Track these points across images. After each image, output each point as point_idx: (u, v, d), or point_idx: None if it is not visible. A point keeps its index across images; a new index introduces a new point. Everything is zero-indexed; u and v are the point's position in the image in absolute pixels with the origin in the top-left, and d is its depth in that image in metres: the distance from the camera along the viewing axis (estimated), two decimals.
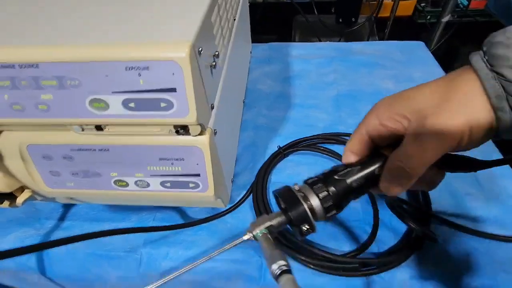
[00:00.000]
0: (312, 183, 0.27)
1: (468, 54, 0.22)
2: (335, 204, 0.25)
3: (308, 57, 0.69)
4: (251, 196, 0.42)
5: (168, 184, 0.33)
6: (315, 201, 0.25)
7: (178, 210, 0.41)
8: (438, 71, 0.64)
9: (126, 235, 0.38)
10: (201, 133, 0.29)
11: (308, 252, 0.36)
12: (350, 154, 0.27)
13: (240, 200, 0.41)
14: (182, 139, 0.29)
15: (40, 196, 0.36)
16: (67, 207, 0.43)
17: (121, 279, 0.38)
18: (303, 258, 0.35)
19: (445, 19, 0.89)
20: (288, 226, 0.27)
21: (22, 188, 0.35)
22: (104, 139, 0.30)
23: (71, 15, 0.29)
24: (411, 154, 0.22)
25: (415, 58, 0.68)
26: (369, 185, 0.26)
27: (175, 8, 0.28)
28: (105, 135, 0.29)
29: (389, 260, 0.34)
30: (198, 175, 0.32)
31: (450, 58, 1.33)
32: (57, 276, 0.38)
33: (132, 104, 0.25)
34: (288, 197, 0.26)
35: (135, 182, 0.33)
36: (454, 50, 1.34)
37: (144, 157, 0.31)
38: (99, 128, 0.28)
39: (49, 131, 0.31)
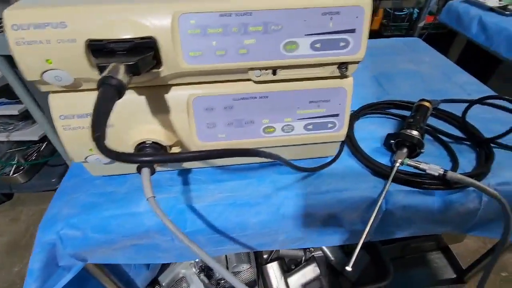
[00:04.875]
0: (405, 128, 0.47)
1: None
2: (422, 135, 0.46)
3: None
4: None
5: (310, 127, 0.39)
6: (415, 132, 0.45)
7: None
8: (439, 55, 0.80)
9: (256, 186, 0.43)
10: (347, 76, 0.37)
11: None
12: None
13: (339, 149, 0.48)
14: (333, 81, 0.37)
15: None
16: (184, 174, 0.45)
17: (260, 224, 0.41)
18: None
19: (421, 24, 1.10)
20: None
21: (170, 147, 0.38)
22: (268, 87, 0.36)
23: None
24: None
25: (418, 48, 0.83)
26: None
27: None
28: (275, 81, 0.35)
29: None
30: (338, 115, 0.39)
31: None
32: (196, 230, 0.40)
33: (318, 45, 0.32)
34: (402, 135, 0.45)
35: (282, 128, 0.39)
36: None
37: (297, 101, 0.37)
38: (274, 72, 0.34)
39: (216, 84, 0.36)
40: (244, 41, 0.31)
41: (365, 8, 0.31)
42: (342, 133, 0.40)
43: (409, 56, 0.79)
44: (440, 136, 0.52)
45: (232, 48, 0.31)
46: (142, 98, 0.35)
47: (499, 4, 1.17)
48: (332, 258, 0.76)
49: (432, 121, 0.55)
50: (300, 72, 0.35)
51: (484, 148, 0.48)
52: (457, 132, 0.53)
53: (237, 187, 0.43)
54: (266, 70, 0.34)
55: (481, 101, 0.54)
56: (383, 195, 0.41)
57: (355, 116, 0.55)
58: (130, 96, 0.34)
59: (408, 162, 0.44)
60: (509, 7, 1.17)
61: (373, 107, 0.58)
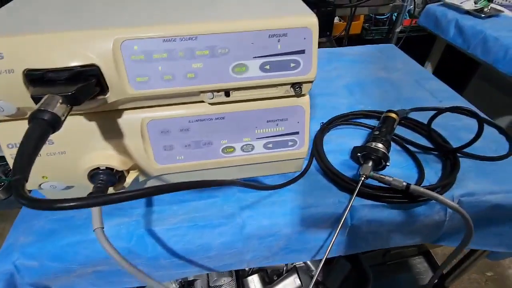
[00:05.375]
0: (371, 141, 0.47)
1: None
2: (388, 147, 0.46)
3: None
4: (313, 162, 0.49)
5: (270, 145, 0.39)
6: (380, 145, 0.45)
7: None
8: (412, 62, 0.80)
9: (220, 206, 0.42)
10: (303, 95, 0.37)
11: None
12: None
13: (308, 164, 0.48)
14: (289, 100, 0.36)
15: (145, 176, 0.39)
16: None
17: (224, 245, 0.41)
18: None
19: (398, 29, 1.11)
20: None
21: (127, 171, 0.38)
22: (224, 108, 0.35)
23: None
24: None
25: (391, 55, 0.84)
26: None
27: None
28: (229, 102, 0.35)
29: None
30: (297, 133, 0.39)
31: None
32: (157, 255, 0.40)
33: (267, 66, 0.32)
34: (367, 148, 0.45)
35: (242, 147, 0.38)
36: None
37: (255, 121, 0.37)
38: (227, 94, 0.34)
39: (171, 107, 0.35)
40: (191, 65, 0.31)
41: (312, 30, 0.31)
42: (303, 151, 0.40)
43: (382, 63, 0.79)
44: (408, 146, 0.52)
45: (179, 73, 0.31)
46: (94, 124, 0.34)
47: (475, 7, 1.19)
48: (313, 268, 0.75)
49: (401, 131, 0.55)
50: (254, 93, 0.34)
51: (450, 158, 0.48)
52: (425, 142, 0.53)
53: (200, 207, 0.42)
54: (218, 92, 0.33)
55: (447, 111, 0.54)
56: (347, 211, 0.40)
57: (325, 128, 0.55)
58: (81, 121, 0.34)
59: (373, 175, 0.44)
60: (485, 10, 1.19)
61: (344, 118, 0.58)
